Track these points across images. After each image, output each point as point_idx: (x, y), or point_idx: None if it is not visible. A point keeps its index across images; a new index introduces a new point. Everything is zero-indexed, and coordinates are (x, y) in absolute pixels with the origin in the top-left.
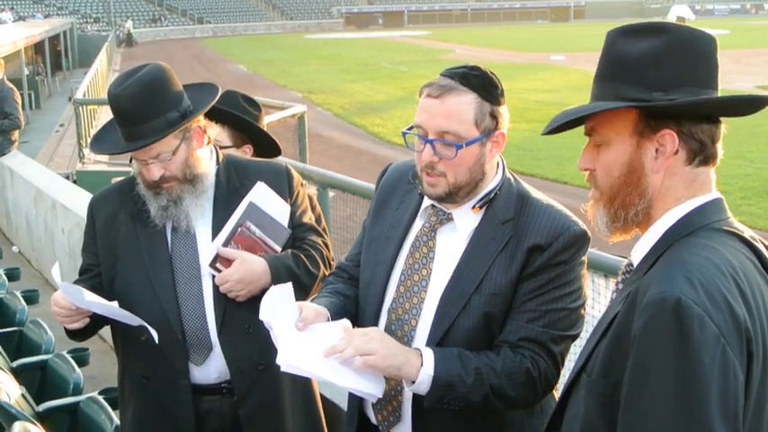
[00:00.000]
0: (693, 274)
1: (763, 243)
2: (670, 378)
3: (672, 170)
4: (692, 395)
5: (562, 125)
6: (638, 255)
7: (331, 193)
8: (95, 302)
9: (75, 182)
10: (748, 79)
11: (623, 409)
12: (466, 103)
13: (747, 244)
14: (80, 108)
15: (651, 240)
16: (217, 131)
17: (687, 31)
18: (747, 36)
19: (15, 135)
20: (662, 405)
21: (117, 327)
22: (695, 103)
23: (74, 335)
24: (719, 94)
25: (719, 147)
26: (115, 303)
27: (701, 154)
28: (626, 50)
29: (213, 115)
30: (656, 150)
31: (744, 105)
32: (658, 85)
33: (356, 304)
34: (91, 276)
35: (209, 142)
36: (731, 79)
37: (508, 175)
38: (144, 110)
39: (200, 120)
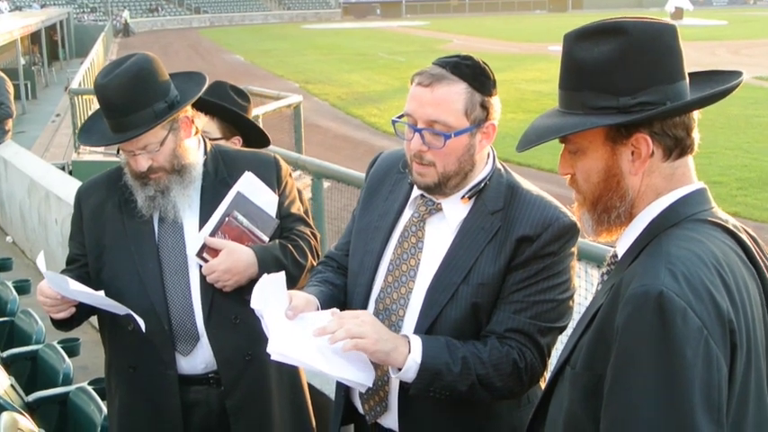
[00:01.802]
0: (677, 267)
1: (747, 233)
2: (653, 372)
3: (650, 169)
4: (675, 389)
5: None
6: (622, 246)
7: (326, 184)
8: (80, 291)
9: (70, 172)
10: (746, 70)
11: (606, 402)
12: (456, 92)
13: (731, 234)
14: (76, 98)
15: (635, 232)
16: (205, 122)
17: (645, 28)
18: (746, 27)
19: (9, 125)
20: (645, 399)
21: (104, 317)
22: (664, 112)
23: (60, 324)
24: (687, 80)
25: (696, 133)
26: (101, 292)
27: (678, 148)
28: (585, 57)
29: (202, 107)
30: (632, 153)
31: (711, 100)
32: (624, 89)
33: (345, 293)
34: (78, 266)
35: (196, 132)
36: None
37: (498, 165)
38: (131, 101)
39: (188, 110)
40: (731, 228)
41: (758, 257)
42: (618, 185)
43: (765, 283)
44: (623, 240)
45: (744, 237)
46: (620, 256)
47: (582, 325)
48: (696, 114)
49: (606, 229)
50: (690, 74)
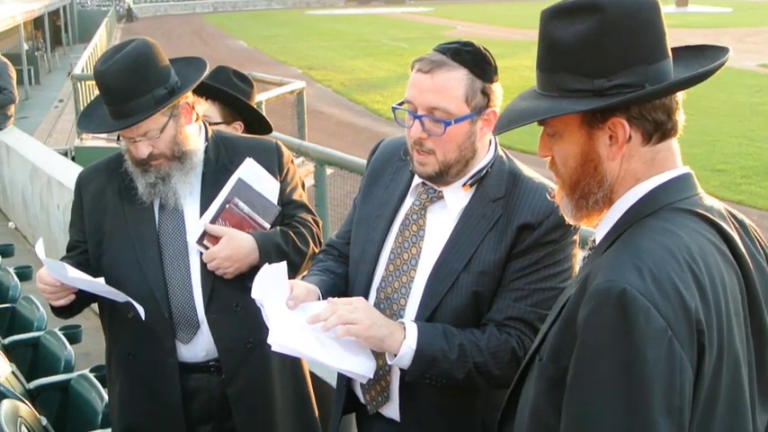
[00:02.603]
0: (644, 262)
1: (736, 221)
2: (612, 372)
3: (629, 154)
4: (635, 390)
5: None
6: (600, 232)
7: (329, 171)
8: (79, 278)
9: (73, 158)
10: (751, 58)
11: (567, 398)
12: (456, 79)
13: (713, 225)
14: (79, 83)
15: (613, 219)
16: (206, 107)
17: (621, 4)
18: (751, 14)
19: (12, 110)
20: (604, 399)
21: (104, 304)
22: (639, 97)
23: (59, 312)
24: (670, 59)
25: (679, 116)
26: (101, 279)
27: (658, 131)
28: (560, 36)
29: (204, 91)
30: (610, 137)
31: (691, 82)
32: (600, 71)
33: (347, 282)
34: (78, 253)
35: (197, 119)
36: (734, 57)
37: (500, 152)
38: (131, 87)
39: (189, 96)
40: (713, 218)
41: (743, 250)
42: (595, 170)
43: (749, 278)
44: (601, 227)
45: (728, 227)
46: (597, 243)
47: (553, 315)
48: (680, 95)
49: (586, 214)
50: (676, 49)
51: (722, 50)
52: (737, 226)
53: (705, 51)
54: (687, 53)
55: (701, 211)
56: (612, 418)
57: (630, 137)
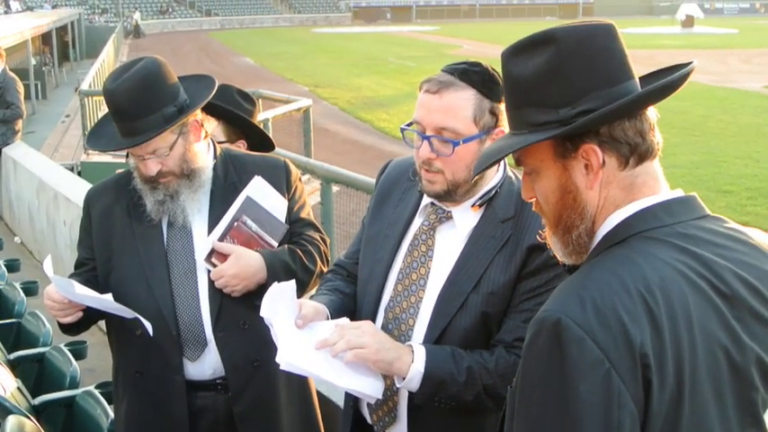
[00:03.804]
0: (588, 292)
1: (749, 245)
2: (545, 404)
3: (607, 180)
4: (568, 423)
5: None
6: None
7: (335, 188)
8: (87, 295)
9: (79, 173)
10: (757, 79)
11: (514, 427)
12: (464, 99)
13: (692, 255)
14: (86, 99)
15: (591, 247)
16: (213, 126)
17: (576, 33)
18: (757, 35)
19: (19, 125)
20: (539, 430)
21: (111, 321)
22: (600, 116)
23: (67, 329)
24: (636, 80)
25: (656, 135)
26: (108, 296)
27: (634, 154)
28: (521, 72)
29: (207, 110)
30: (585, 166)
31: (655, 95)
32: (563, 101)
33: (355, 302)
34: (86, 270)
35: (206, 136)
36: (739, 79)
37: (509, 173)
38: (140, 105)
39: (197, 114)
40: (691, 248)
41: (731, 280)
42: (575, 202)
43: (738, 308)
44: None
45: (715, 256)
46: None
47: None
48: (652, 115)
49: (574, 250)
50: (651, 73)
51: (687, 64)
52: (742, 248)
53: (673, 69)
54: (658, 74)
55: (676, 241)
56: None
57: (604, 162)
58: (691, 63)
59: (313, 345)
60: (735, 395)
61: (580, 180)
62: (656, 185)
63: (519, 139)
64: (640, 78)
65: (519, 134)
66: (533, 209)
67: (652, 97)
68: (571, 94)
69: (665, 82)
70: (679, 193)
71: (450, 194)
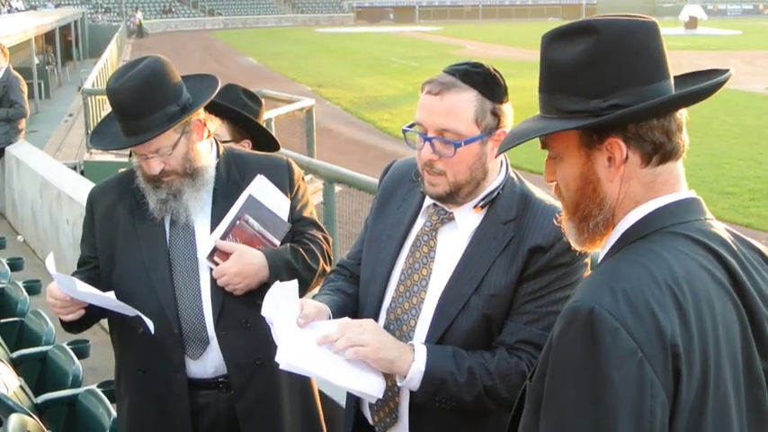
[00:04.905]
0: (619, 283)
1: (752, 246)
2: (579, 394)
3: (628, 176)
4: (602, 413)
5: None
6: (600, 257)
7: (337, 188)
8: (89, 293)
9: (82, 172)
10: (761, 81)
11: (540, 418)
12: (466, 100)
13: (711, 251)
14: (89, 98)
15: (610, 243)
16: (217, 125)
17: (618, 27)
18: (760, 37)
19: (22, 124)
20: (572, 420)
21: (114, 320)
22: (631, 113)
23: (69, 327)
24: (671, 80)
25: (683, 137)
26: (110, 294)
27: (658, 153)
28: (558, 58)
29: (213, 110)
30: (608, 159)
31: (687, 99)
32: (595, 91)
33: (357, 302)
34: (89, 269)
35: (209, 135)
36: (743, 80)
37: (511, 174)
38: (143, 104)
39: (200, 113)
40: (710, 244)
41: (745, 279)
42: (594, 192)
43: (753, 310)
44: (602, 251)
45: (730, 256)
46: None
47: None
48: (682, 117)
49: (588, 238)
50: (685, 75)
51: (724, 71)
52: (748, 255)
53: (710, 74)
54: (694, 77)
55: (697, 236)
56: None
57: (628, 157)
58: (728, 71)
59: (313, 344)
60: (747, 393)
61: (601, 171)
62: (676, 185)
63: (548, 124)
64: (675, 78)
65: (548, 118)
66: (553, 192)
67: (683, 101)
68: (604, 86)
69: (699, 88)
70: (694, 193)
71: (453, 196)
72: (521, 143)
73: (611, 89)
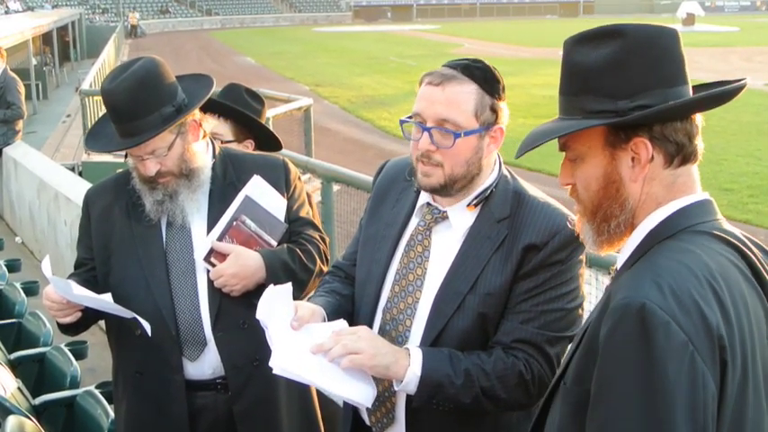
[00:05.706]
0: (663, 279)
1: (759, 247)
2: (634, 388)
3: (651, 176)
4: (657, 406)
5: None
6: (621, 258)
7: (335, 187)
8: (85, 296)
9: (80, 173)
10: (759, 77)
11: (589, 417)
12: (467, 92)
13: (734, 247)
14: (87, 99)
15: (634, 243)
16: (214, 124)
17: (644, 31)
18: (758, 33)
19: (20, 125)
20: (626, 417)
21: (111, 322)
22: (660, 111)
23: (66, 329)
24: (690, 86)
25: (699, 141)
26: (106, 296)
27: (680, 154)
28: (584, 60)
29: (216, 109)
30: (632, 159)
31: (710, 102)
32: (622, 92)
33: (353, 303)
34: (85, 270)
35: (204, 135)
36: (741, 77)
37: (505, 172)
38: (138, 106)
39: (196, 113)
40: (735, 241)
41: (765, 274)
42: (617, 193)
43: None
44: (623, 252)
45: (749, 252)
46: (618, 268)
47: (576, 339)
48: (699, 121)
49: (607, 239)
50: (696, 86)
51: (741, 80)
52: (757, 251)
53: (726, 84)
54: (709, 87)
55: (721, 234)
56: None
57: (653, 157)
58: (743, 79)
59: (308, 348)
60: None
61: (625, 171)
62: (693, 186)
63: (572, 123)
64: (692, 88)
65: (570, 119)
66: (569, 195)
67: (707, 102)
68: (631, 87)
69: (720, 91)
70: (708, 195)
71: (447, 188)
72: (545, 142)
73: (637, 90)
